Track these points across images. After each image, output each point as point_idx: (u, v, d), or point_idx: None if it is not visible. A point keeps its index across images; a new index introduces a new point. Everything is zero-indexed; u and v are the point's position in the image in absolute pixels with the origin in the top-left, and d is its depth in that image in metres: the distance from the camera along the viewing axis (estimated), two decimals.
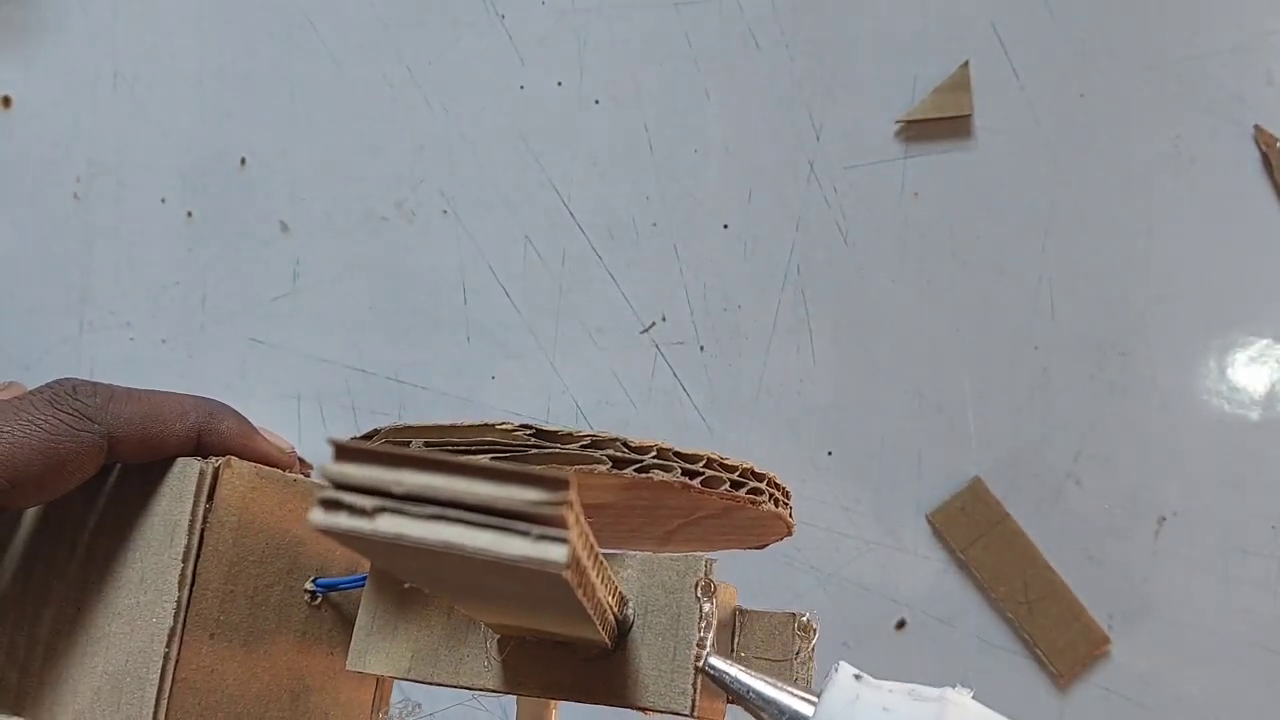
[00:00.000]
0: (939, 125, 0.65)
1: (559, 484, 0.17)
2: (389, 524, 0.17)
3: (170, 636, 0.28)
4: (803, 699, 0.23)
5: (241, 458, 0.31)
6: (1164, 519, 0.63)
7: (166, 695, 0.28)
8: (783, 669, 0.27)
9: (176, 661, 0.28)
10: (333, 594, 0.33)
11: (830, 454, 0.63)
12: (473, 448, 0.25)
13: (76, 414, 0.28)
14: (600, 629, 0.24)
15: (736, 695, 0.24)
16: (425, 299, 0.62)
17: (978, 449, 0.63)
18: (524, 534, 0.17)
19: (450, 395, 0.62)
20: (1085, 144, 0.66)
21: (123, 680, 0.29)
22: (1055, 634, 0.62)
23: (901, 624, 0.62)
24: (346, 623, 0.33)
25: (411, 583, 0.28)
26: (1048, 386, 0.64)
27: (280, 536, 0.32)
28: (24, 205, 0.61)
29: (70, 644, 0.30)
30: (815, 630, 0.27)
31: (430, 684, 0.29)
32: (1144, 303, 0.65)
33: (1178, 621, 0.63)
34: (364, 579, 0.31)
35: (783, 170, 0.65)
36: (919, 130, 0.65)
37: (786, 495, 0.28)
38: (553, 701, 0.32)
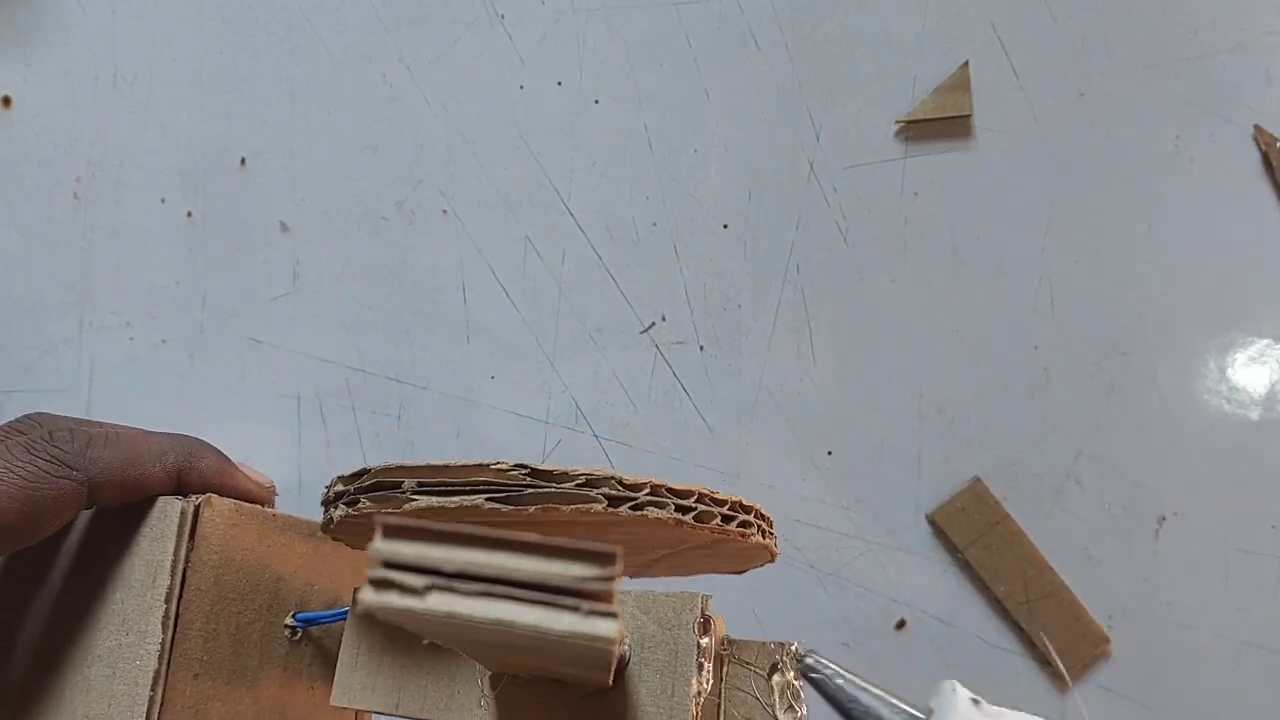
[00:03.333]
0: (939, 125, 0.65)
1: (607, 558, 0.17)
2: (440, 601, 0.18)
3: (155, 679, 0.28)
4: (913, 714, 0.24)
5: (220, 494, 0.30)
6: (1164, 519, 0.63)
7: None
8: (773, 698, 0.27)
9: (161, 705, 0.28)
10: (313, 628, 0.33)
11: (830, 454, 0.63)
12: (467, 488, 0.24)
13: (55, 460, 0.27)
14: (609, 671, 0.24)
15: (837, 704, 0.25)
16: (425, 299, 0.62)
17: (978, 449, 0.63)
18: (573, 609, 0.17)
19: (450, 395, 0.62)
20: (1085, 144, 0.66)
21: None
22: (1055, 634, 0.62)
23: (901, 624, 0.62)
24: (327, 657, 0.33)
25: (439, 643, 0.28)
26: (1048, 386, 0.64)
27: (260, 572, 0.31)
28: (24, 205, 0.61)
29: (47, 687, 0.29)
30: (802, 658, 0.27)
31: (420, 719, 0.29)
32: (1144, 303, 0.65)
33: (1178, 621, 0.63)
34: (344, 613, 0.31)
35: (783, 170, 0.65)
36: (919, 130, 0.65)
37: (770, 524, 0.28)
38: None
